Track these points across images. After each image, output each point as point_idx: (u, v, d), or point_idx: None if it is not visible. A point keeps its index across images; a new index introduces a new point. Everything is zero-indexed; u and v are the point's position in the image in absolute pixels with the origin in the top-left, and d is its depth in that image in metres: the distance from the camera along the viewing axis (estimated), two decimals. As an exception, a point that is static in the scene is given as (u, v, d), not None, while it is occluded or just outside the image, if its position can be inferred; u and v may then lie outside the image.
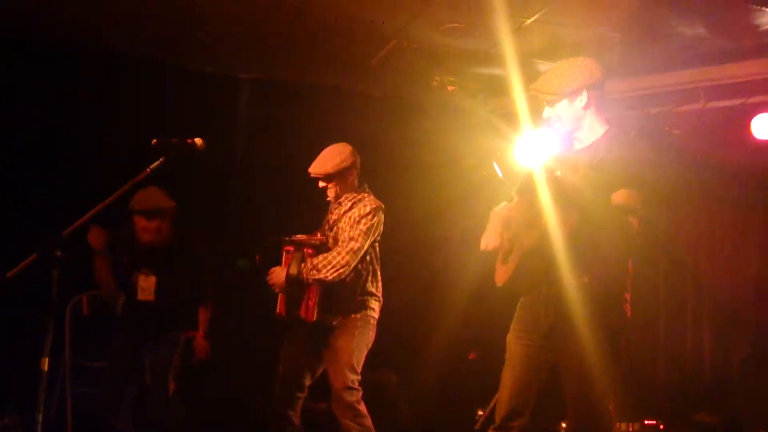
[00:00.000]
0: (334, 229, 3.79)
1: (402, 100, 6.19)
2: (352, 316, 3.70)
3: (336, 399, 3.63)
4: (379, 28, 4.88)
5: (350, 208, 3.76)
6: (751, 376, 5.38)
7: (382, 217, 3.77)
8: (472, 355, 2.45)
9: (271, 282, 3.68)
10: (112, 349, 4.21)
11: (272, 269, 3.69)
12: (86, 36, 5.17)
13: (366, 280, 3.76)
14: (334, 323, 3.69)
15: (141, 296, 4.16)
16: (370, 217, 3.68)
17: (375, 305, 3.79)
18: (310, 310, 3.59)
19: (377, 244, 3.83)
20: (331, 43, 5.17)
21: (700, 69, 5.25)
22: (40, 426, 2.64)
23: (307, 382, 3.76)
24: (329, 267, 3.55)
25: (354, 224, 3.66)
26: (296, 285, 3.57)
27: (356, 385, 3.67)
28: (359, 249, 3.61)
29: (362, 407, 3.66)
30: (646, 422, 5.23)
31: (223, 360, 5.09)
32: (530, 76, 5.57)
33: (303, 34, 5.03)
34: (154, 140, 3.02)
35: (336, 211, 3.85)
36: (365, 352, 3.73)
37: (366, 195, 3.82)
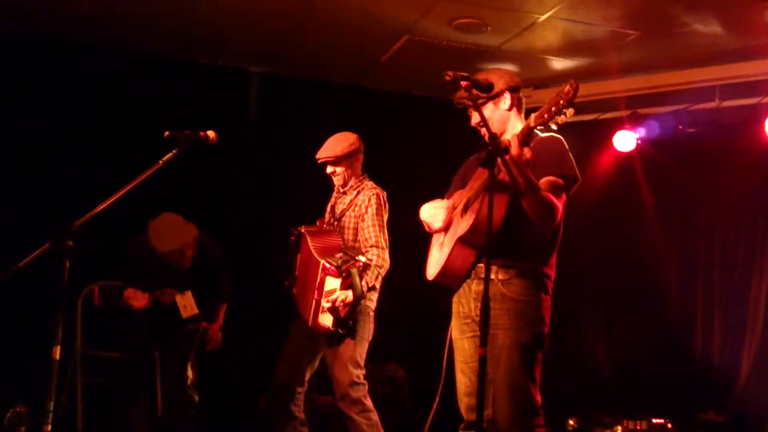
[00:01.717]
0: (342, 219, 3.79)
1: (413, 96, 6.19)
2: (361, 313, 3.64)
3: (342, 396, 3.60)
4: (391, 24, 4.87)
5: (355, 196, 3.79)
6: (758, 376, 5.35)
7: (386, 200, 3.80)
8: (481, 351, 2.43)
9: (339, 303, 3.48)
10: (129, 341, 4.23)
11: (334, 293, 3.50)
12: (99, 31, 5.18)
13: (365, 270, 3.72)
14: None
15: (185, 314, 4.17)
16: (384, 207, 3.75)
17: (373, 295, 3.72)
18: (354, 313, 3.58)
19: None
20: (343, 38, 5.17)
21: (715, 67, 5.23)
22: (50, 414, 2.66)
23: (307, 376, 3.76)
24: (379, 275, 3.62)
25: (374, 216, 3.69)
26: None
27: (362, 379, 3.64)
28: (386, 245, 3.70)
29: (369, 402, 3.63)
30: (654, 421, 5.22)
31: (232, 354, 5.11)
32: (543, 73, 5.62)
33: (314, 28, 5.03)
34: (167, 132, 3.03)
35: (341, 200, 3.87)
36: (367, 345, 3.69)
37: (367, 181, 3.85)
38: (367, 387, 3.65)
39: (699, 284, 5.84)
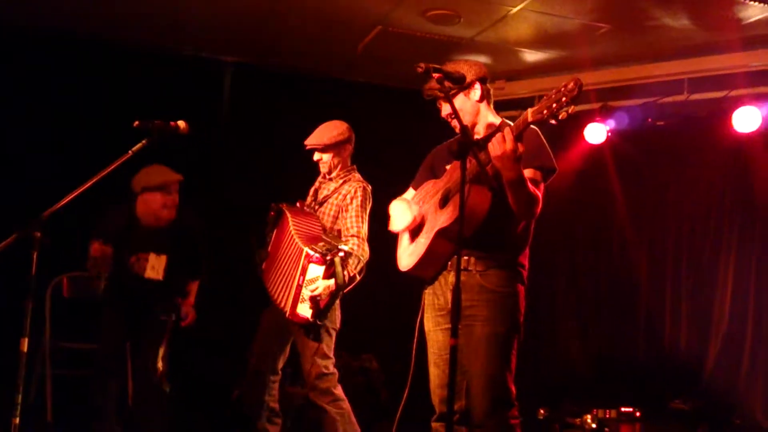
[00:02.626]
0: (325, 204, 3.76)
1: (388, 87, 6.18)
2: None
3: (312, 387, 3.58)
4: (364, 14, 4.86)
5: (341, 185, 3.76)
6: (723, 366, 5.46)
7: (371, 194, 3.77)
8: (452, 341, 2.46)
9: (323, 291, 3.45)
10: (101, 331, 4.18)
11: (317, 282, 3.46)
12: (71, 20, 5.11)
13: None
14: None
15: (150, 274, 4.11)
16: (368, 201, 3.74)
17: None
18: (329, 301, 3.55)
19: None
20: (317, 28, 5.15)
21: (684, 61, 5.29)
22: (19, 407, 2.64)
23: (280, 365, 3.74)
24: (360, 264, 3.60)
25: (359, 208, 3.67)
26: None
27: (330, 369, 3.61)
28: (366, 237, 3.68)
29: (338, 391, 3.61)
30: (622, 409, 5.30)
31: (205, 345, 5.09)
32: (516, 65, 5.65)
33: (289, 19, 5.01)
34: (137, 122, 3.01)
35: (326, 186, 3.83)
36: (335, 335, 3.66)
37: (355, 173, 3.82)
38: (336, 376, 3.64)
39: (668, 275, 5.92)
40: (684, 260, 5.86)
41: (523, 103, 5.99)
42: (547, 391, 5.70)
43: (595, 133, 5.77)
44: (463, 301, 2.62)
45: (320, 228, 3.66)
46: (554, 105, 2.40)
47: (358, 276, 3.62)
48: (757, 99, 5.09)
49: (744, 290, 5.49)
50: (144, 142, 3.00)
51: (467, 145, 2.48)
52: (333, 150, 3.77)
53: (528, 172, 2.68)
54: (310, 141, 3.78)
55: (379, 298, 5.38)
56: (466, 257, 2.76)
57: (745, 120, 5.11)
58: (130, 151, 2.95)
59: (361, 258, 3.63)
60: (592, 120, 5.76)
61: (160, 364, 4.15)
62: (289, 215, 3.65)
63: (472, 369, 2.76)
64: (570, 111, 2.41)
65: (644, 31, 4.91)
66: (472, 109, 2.90)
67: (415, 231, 2.96)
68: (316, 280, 3.46)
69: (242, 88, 5.81)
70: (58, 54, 5.22)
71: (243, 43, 5.53)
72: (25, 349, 2.64)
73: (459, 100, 2.87)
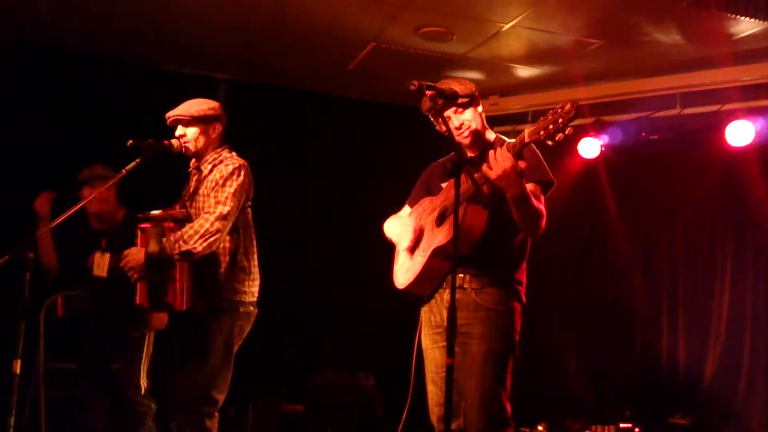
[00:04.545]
0: (195, 198, 3.25)
1: (380, 103, 6.19)
2: (216, 305, 3.13)
3: (185, 409, 3.10)
4: (357, 31, 4.88)
5: (210, 172, 3.23)
6: (722, 380, 5.44)
7: (250, 176, 3.26)
8: (448, 361, 2.44)
9: (128, 266, 3.03)
10: (82, 350, 4.16)
11: (126, 251, 3.07)
12: (64, 36, 5.12)
13: (236, 254, 3.19)
14: (203, 311, 3.10)
15: (96, 272, 4.08)
16: (234, 177, 3.16)
17: (247, 287, 3.21)
18: (179, 295, 3.03)
19: (249, 209, 3.32)
20: (310, 45, 5.16)
21: (676, 75, 5.32)
22: (12, 430, 2.61)
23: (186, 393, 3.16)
24: (197, 236, 2.98)
25: (218, 188, 3.12)
26: (158, 265, 2.97)
27: (217, 395, 3.11)
28: (229, 213, 3.08)
29: (213, 422, 3.12)
30: (621, 425, 5.27)
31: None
32: (508, 80, 5.67)
33: (282, 36, 5.02)
34: (130, 141, 3.01)
35: (195, 178, 3.32)
36: (235, 348, 3.17)
37: (227, 155, 3.30)
38: (219, 404, 3.13)
39: (664, 290, 5.91)
40: (679, 274, 5.86)
41: (516, 119, 6.02)
42: (545, 408, 5.67)
43: (589, 147, 5.78)
44: (458, 319, 2.60)
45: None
46: (551, 126, 2.43)
47: (190, 246, 2.97)
48: (750, 113, 5.12)
49: (740, 303, 5.48)
50: (138, 160, 3.01)
51: (461, 163, 2.49)
52: (200, 125, 3.25)
53: (529, 187, 2.70)
54: (174, 112, 3.27)
55: (376, 315, 5.36)
56: (461, 275, 2.76)
57: (738, 134, 5.12)
58: (123, 170, 2.96)
59: (200, 232, 3.00)
60: (585, 135, 5.77)
61: (143, 381, 4.12)
62: (137, 218, 3.22)
63: (467, 387, 2.75)
64: (567, 132, 2.42)
65: (636, 47, 4.94)
66: (480, 121, 2.92)
67: (411, 247, 2.96)
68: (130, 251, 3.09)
69: (235, 104, 5.79)
70: (52, 70, 5.21)
71: (236, 60, 5.53)
72: (18, 371, 2.62)
73: (469, 113, 2.88)
